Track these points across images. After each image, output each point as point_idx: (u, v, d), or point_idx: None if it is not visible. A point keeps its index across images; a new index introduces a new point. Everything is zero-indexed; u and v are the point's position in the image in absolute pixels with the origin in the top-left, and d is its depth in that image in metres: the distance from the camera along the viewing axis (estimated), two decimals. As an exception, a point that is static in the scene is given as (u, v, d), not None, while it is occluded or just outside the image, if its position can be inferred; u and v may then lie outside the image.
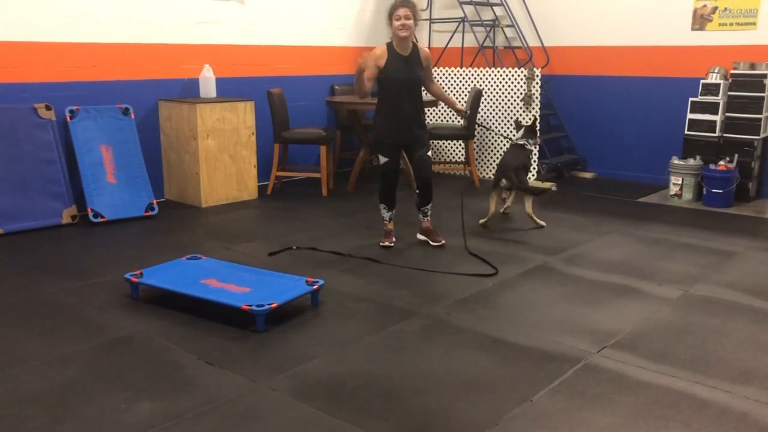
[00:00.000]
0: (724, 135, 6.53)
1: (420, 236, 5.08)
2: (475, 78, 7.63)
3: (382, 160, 4.81)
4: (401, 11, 4.53)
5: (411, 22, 4.55)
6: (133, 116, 5.93)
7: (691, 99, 6.65)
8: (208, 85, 6.31)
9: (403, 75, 4.65)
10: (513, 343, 3.39)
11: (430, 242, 4.98)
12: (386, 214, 4.99)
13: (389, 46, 4.67)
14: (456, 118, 7.70)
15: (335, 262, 4.60)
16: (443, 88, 7.70)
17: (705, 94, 6.57)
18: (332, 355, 3.21)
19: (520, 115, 7.29)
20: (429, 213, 5.02)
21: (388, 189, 4.93)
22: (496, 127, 7.50)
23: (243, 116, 6.28)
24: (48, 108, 5.46)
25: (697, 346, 3.35)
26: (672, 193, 6.63)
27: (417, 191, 4.94)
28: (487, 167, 7.66)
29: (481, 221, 5.46)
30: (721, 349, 3.32)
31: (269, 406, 2.76)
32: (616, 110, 7.57)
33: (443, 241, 4.97)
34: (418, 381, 2.97)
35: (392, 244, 4.94)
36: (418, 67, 4.72)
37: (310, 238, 5.15)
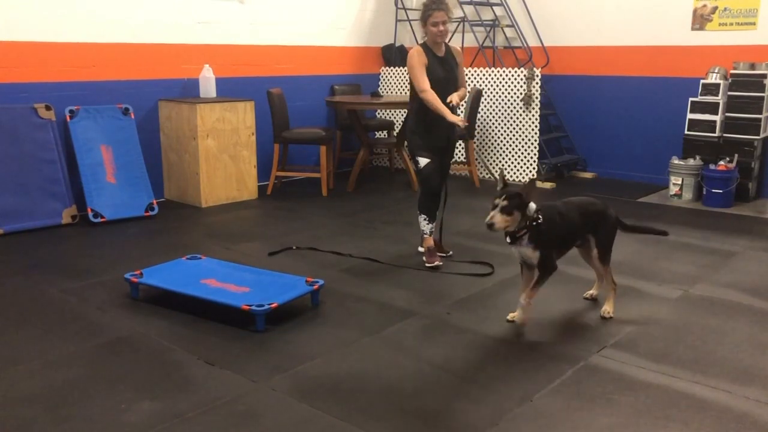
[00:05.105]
0: (724, 135, 6.53)
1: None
2: (475, 78, 7.62)
3: (423, 162, 4.49)
4: (438, 16, 4.29)
5: (448, 26, 4.38)
6: (132, 116, 5.93)
7: (691, 99, 6.64)
8: (208, 85, 6.31)
9: (441, 76, 4.44)
10: (513, 343, 3.39)
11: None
12: (426, 227, 4.60)
13: (425, 46, 4.43)
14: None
15: (335, 262, 4.60)
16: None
17: (705, 94, 6.57)
18: (332, 355, 3.21)
19: None
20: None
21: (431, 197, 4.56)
22: (497, 127, 7.49)
23: (243, 116, 6.28)
24: (48, 108, 5.46)
25: (697, 346, 3.35)
26: (672, 193, 6.63)
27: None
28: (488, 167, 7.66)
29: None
30: (721, 349, 3.32)
31: (269, 406, 2.76)
32: (616, 110, 7.57)
33: (450, 252, 4.75)
34: (418, 381, 2.97)
35: (441, 263, 4.53)
36: (455, 67, 4.53)
37: (310, 238, 5.14)
